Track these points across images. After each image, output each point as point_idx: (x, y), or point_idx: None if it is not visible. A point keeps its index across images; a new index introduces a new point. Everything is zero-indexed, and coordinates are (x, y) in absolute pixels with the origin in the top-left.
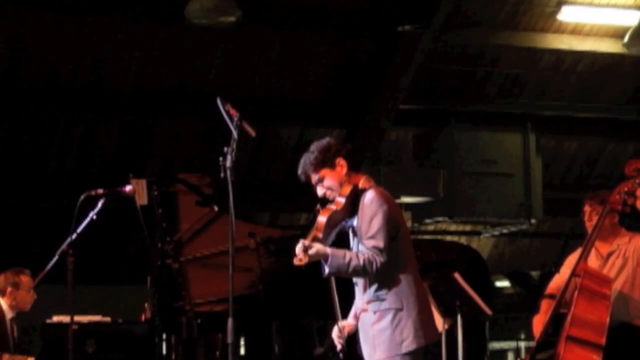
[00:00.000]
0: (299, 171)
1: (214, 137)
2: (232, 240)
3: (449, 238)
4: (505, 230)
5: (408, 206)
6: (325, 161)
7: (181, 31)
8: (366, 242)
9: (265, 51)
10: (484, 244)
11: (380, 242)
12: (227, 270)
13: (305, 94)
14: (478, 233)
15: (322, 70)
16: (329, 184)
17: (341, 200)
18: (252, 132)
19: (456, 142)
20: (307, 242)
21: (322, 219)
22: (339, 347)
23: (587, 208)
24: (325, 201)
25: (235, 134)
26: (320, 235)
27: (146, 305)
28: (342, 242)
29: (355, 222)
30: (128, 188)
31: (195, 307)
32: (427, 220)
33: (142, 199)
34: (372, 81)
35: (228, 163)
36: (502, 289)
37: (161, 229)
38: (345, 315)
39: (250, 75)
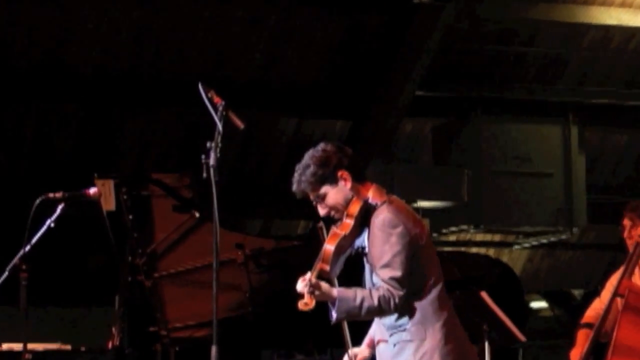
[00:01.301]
0: (294, 187)
1: (195, 130)
2: (217, 253)
3: (474, 250)
4: (542, 241)
5: (426, 212)
6: (325, 177)
7: (158, 4)
8: (380, 273)
9: (255, 27)
10: (516, 257)
11: (397, 271)
12: (210, 289)
13: (303, 78)
14: (510, 244)
15: (323, 50)
16: (333, 203)
17: (349, 222)
18: (241, 124)
19: (483, 136)
20: (313, 279)
21: (329, 248)
22: None
23: (626, 222)
24: (328, 218)
25: (220, 126)
26: (327, 268)
27: (114, 330)
28: (352, 267)
29: (365, 242)
30: (92, 190)
31: (173, 333)
32: (449, 229)
33: (109, 204)
34: (382, 63)
35: (212, 161)
36: (538, 310)
37: (132, 240)
38: (356, 342)
39: (238, 56)
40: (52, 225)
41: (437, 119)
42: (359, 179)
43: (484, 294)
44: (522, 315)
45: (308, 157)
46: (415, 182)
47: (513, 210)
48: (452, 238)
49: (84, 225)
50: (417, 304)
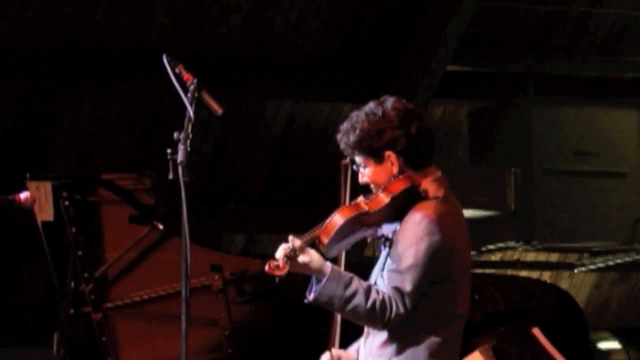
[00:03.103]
0: (338, 136)
1: (158, 117)
2: (186, 277)
3: (524, 274)
4: (612, 262)
5: None
6: (368, 149)
7: None
8: (389, 275)
9: None
10: (579, 282)
11: (407, 285)
12: (177, 325)
13: (300, 50)
14: (571, 266)
15: (324, 18)
16: (373, 179)
17: (383, 198)
18: (218, 109)
19: (534, 124)
20: (298, 241)
21: (337, 219)
22: None
23: None
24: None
25: (190, 111)
26: (325, 240)
27: None
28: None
29: (391, 231)
30: (24, 195)
31: None
32: (490, 247)
33: (45, 213)
34: (403, 29)
35: (180, 157)
36: (608, 352)
37: (75, 259)
38: (344, 344)
39: (215, 21)
40: None
41: (475, 101)
42: (416, 165)
43: (537, 331)
44: (587, 357)
45: (363, 113)
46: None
47: (575, 221)
48: (495, 258)
49: (13, 240)
50: (415, 340)
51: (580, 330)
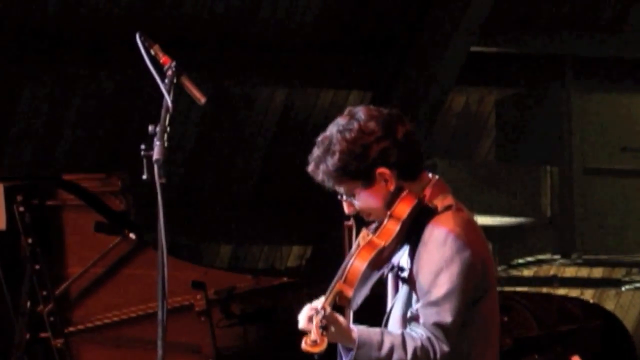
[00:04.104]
0: (310, 168)
1: (129, 108)
2: (164, 296)
3: (562, 292)
4: None
5: (487, 233)
6: (355, 173)
7: None
8: (423, 312)
9: None
10: (627, 302)
11: (447, 316)
12: (153, 351)
13: (295, 31)
14: (617, 283)
15: None
16: (366, 205)
17: (393, 227)
18: (201, 97)
19: (574, 115)
20: (328, 307)
21: (358, 265)
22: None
23: None
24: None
25: (168, 99)
26: (350, 293)
27: None
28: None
29: (405, 260)
30: None
31: None
32: (522, 260)
33: None
34: (416, 5)
35: (156, 154)
36: None
37: (32, 275)
38: None
39: None
40: None
41: (504, 88)
42: (411, 175)
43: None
44: None
45: (336, 132)
46: (469, 186)
47: (622, 230)
48: (528, 273)
49: None
50: None
51: (629, 358)
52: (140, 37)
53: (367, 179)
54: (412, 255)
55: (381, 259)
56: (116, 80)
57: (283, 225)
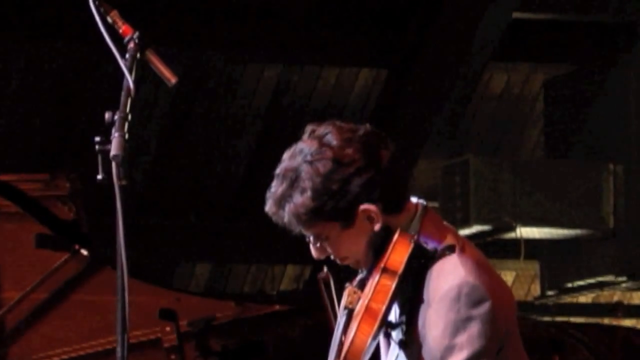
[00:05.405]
0: (269, 208)
1: (80, 90)
2: (124, 328)
3: (628, 323)
4: None
5: (534, 249)
6: (336, 212)
7: None
8: None
9: None
10: None
11: None
12: None
13: None
14: None
15: None
16: (344, 250)
17: (389, 282)
18: (171, 77)
19: None
20: None
21: (362, 341)
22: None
23: None
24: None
25: (130, 81)
26: None
27: None
28: None
29: (394, 314)
30: None
31: None
32: (578, 283)
33: None
34: None
35: (115, 149)
36: None
37: None
38: None
39: None
40: None
41: (554, 65)
42: (398, 207)
43: None
44: None
45: (303, 163)
46: (511, 190)
47: None
48: (585, 299)
49: None
50: None
51: None
52: (93, 1)
53: (346, 219)
54: (407, 309)
55: (382, 325)
56: (64, 55)
57: (274, 240)
